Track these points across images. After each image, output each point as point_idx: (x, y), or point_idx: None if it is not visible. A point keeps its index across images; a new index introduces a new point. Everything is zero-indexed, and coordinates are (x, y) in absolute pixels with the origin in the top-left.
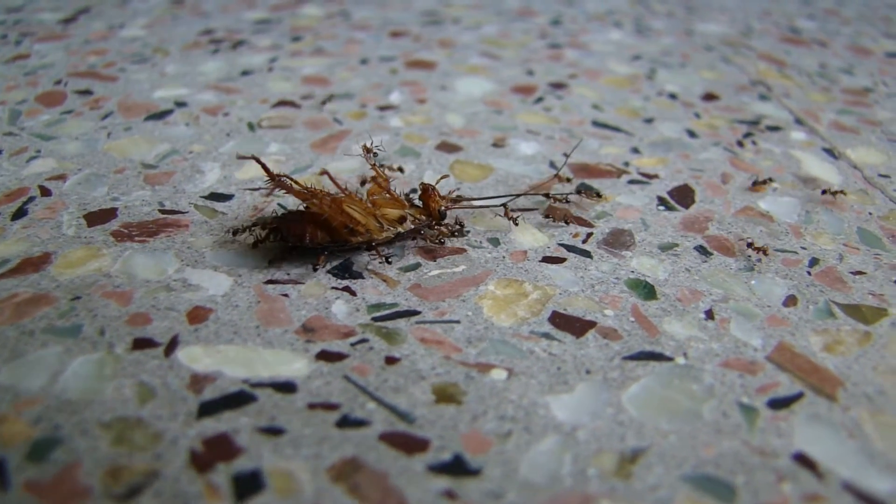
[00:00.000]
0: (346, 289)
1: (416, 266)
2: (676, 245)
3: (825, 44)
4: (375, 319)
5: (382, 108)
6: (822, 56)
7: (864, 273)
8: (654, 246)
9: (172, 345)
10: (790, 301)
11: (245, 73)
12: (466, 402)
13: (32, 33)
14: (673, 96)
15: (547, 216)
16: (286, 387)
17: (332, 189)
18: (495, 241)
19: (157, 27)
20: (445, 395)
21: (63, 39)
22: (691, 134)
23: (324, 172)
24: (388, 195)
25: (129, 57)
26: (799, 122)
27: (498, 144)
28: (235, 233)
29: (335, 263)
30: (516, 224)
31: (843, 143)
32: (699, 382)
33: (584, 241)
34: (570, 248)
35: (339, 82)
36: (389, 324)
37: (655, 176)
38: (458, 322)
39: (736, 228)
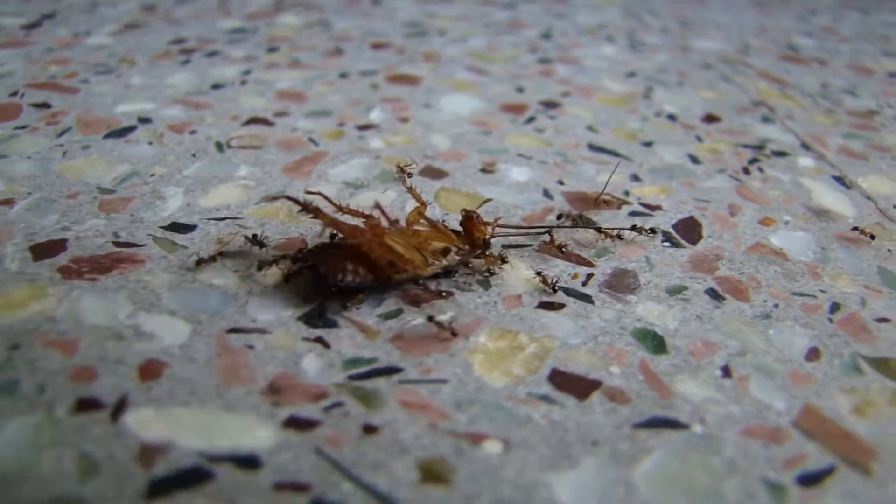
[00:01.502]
0: (319, 340)
1: (398, 312)
2: (685, 288)
3: (825, 62)
4: (352, 378)
5: (362, 128)
6: (822, 75)
7: (890, 320)
8: (660, 289)
9: (120, 407)
10: (813, 354)
11: (216, 86)
12: (456, 481)
13: None
14: (672, 117)
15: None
16: (249, 461)
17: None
18: (486, 284)
19: (126, 35)
20: (432, 474)
21: (24, 46)
22: (694, 159)
23: (377, 206)
24: (429, 224)
25: (92, 67)
26: (805, 146)
27: (487, 170)
28: (260, 267)
29: (309, 309)
30: (563, 252)
31: (854, 170)
32: (719, 455)
33: (584, 284)
34: (569, 292)
35: (315, 98)
36: (367, 383)
37: (658, 207)
38: (445, 382)
39: (748, 268)
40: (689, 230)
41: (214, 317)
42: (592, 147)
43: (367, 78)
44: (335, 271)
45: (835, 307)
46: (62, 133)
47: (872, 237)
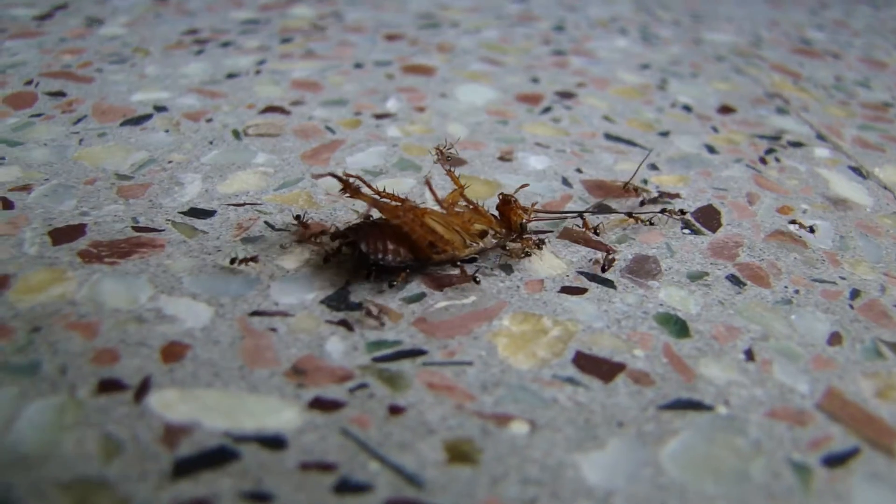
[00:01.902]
0: (343, 323)
1: (421, 296)
2: (706, 274)
3: (838, 56)
4: (376, 360)
5: (378, 116)
6: (836, 68)
7: None
8: (682, 275)
9: (143, 388)
10: (834, 339)
11: (231, 75)
12: (483, 461)
13: (4, 30)
14: (687, 108)
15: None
16: (274, 442)
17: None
18: (508, 269)
19: (139, 25)
20: (459, 454)
21: (37, 37)
22: (710, 149)
23: (427, 183)
24: (469, 206)
25: (106, 57)
26: (821, 137)
27: (505, 158)
28: (301, 241)
29: (331, 293)
30: (597, 234)
31: (870, 161)
32: (745, 436)
33: (604, 270)
34: (591, 277)
35: (331, 87)
36: (392, 365)
37: (677, 195)
38: (470, 364)
39: (768, 255)
40: (708, 218)
41: (236, 300)
42: (609, 136)
43: (382, 68)
44: (376, 250)
45: (855, 293)
46: (78, 121)
47: None
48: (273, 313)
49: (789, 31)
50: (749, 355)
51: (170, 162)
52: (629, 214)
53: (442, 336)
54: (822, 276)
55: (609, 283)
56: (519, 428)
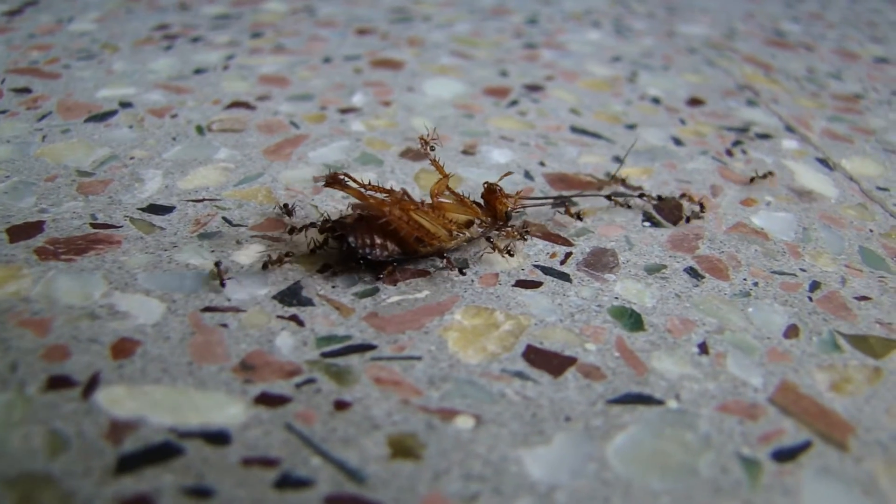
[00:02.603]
0: (294, 318)
1: (374, 291)
2: (664, 267)
3: (811, 48)
4: (325, 355)
5: (344, 111)
6: (808, 60)
7: (870, 299)
8: (639, 268)
9: (92, 384)
10: (791, 332)
11: (198, 71)
12: (427, 456)
13: None
14: (656, 101)
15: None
16: (218, 437)
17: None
18: (462, 262)
19: (109, 21)
20: (402, 449)
21: (6, 33)
22: (677, 141)
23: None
24: (453, 196)
25: (74, 53)
26: (790, 129)
27: (468, 152)
28: (291, 231)
29: (283, 288)
30: (581, 220)
31: (837, 152)
32: (694, 431)
33: (562, 263)
34: (546, 271)
35: (298, 82)
36: (341, 360)
37: (640, 188)
38: (419, 358)
39: (729, 247)
40: (670, 211)
41: (189, 296)
42: (575, 129)
43: (351, 63)
44: (364, 244)
45: (815, 286)
46: (42, 117)
47: None
48: (225, 309)
49: (764, 23)
50: (703, 349)
51: (132, 158)
52: (608, 197)
53: (392, 331)
54: (782, 269)
55: (565, 277)
56: (464, 423)
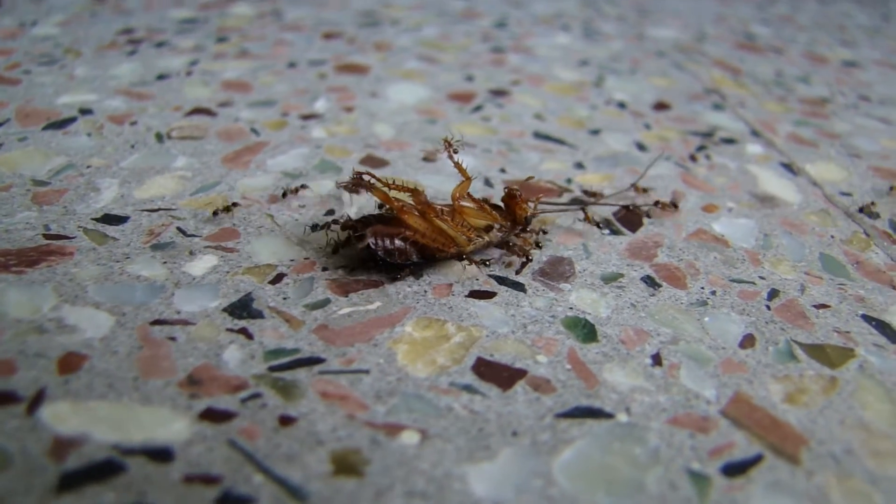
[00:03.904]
0: (243, 331)
1: (325, 302)
2: (621, 276)
3: (781, 51)
4: (272, 369)
5: (305, 117)
6: (777, 64)
7: (829, 306)
8: (596, 277)
9: (37, 400)
10: (747, 341)
11: (161, 76)
12: (370, 473)
13: None
14: (622, 105)
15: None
16: (161, 454)
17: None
18: (417, 273)
19: (73, 25)
20: (346, 465)
21: None
22: (640, 147)
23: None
24: (473, 201)
25: (36, 58)
26: (755, 133)
27: (429, 158)
28: (314, 228)
29: (234, 300)
30: (600, 227)
31: (802, 157)
32: (643, 445)
33: (517, 272)
34: (501, 281)
35: (261, 87)
36: (288, 374)
37: (600, 194)
38: (366, 372)
39: (688, 255)
40: (629, 218)
41: (139, 308)
42: (538, 135)
43: (315, 67)
44: (384, 246)
45: (773, 294)
46: None
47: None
48: (174, 322)
49: (734, 27)
50: (656, 360)
51: (88, 167)
52: (626, 207)
53: (342, 343)
54: (740, 276)
55: (519, 287)
56: (409, 438)
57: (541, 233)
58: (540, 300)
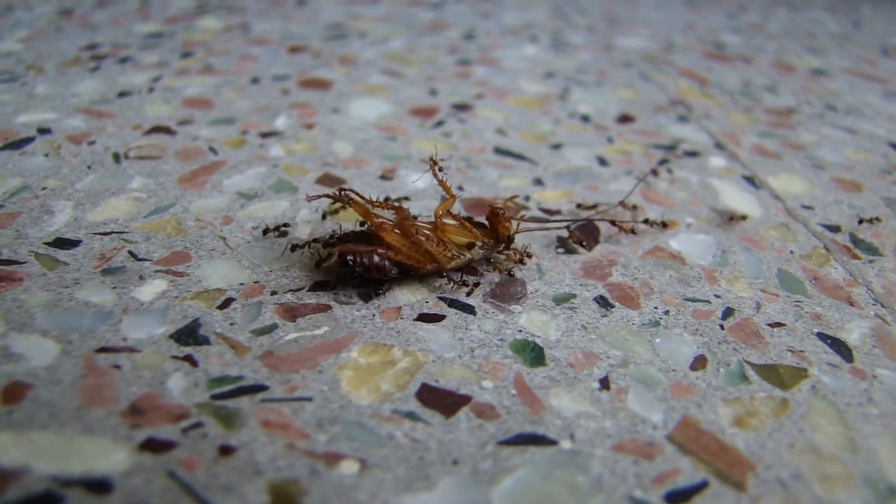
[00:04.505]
0: (188, 358)
1: (272, 328)
2: (573, 296)
3: (749, 60)
4: (215, 397)
5: (265, 135)
6: (745, 73)
7: (784, 325)
8: (548, 298)
9: None
10: (699, 363)
11: (123, 94)
12: (307, 503)
13: None
14: (585, 118)
15: (525, 255)
16: (100, 485)
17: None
18: (366, 296)
19: (37, 40)
20: (283, 496)
21: None
22: (602, 161)
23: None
24: (455, 220)
25: None
26: (719, 146)
27: (386, 176)
28: (294, 248)
29: (181, 327)
30: (584, 246)
31: (765, 169)
32: (586, 473)
33: (468, 294)
34: (451, 303)
35: (223, 104)
36: (230, 402)
37: (557, 212)
38: (309, 400)
39: (643, 274)
40: (586, 235)
41: (86, 336)
42: (499, 151)
43: (279, 83)
44: (362, 262)
45: (727, 313)
46: None
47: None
48: (120, 349)
49: (704, 36)
50: (604, 384)
51: (43, 189)
52: (613, 223)
53: (286, 370)
54: (695, 295)
55: (469, 309)
56: (349, 468)
57: (525, 255)
58: (489, 323)
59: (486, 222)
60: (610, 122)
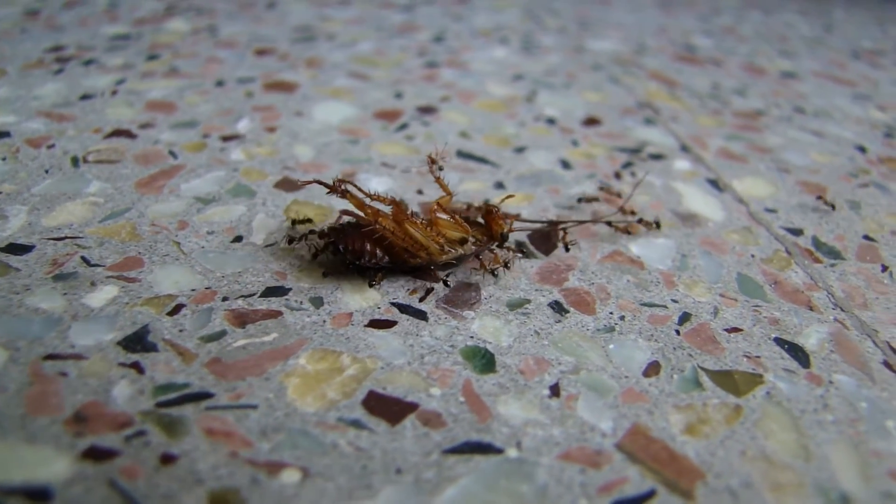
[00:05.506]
0: (135, 365)
1: (221, 334)
2: (528, 302)
3: (720, 63)
4: (160, 405)
5: (226, 139)
6: (715, 76)
7: (741, 330)
8: (501, 303)
9: None
10: (652, 369)
11: (85, 96)
12: None
13: None
14: (551, 121)
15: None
16: (40, 494)
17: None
18: (317, 302)
19: (2, 42)
20: None
21: None
22: (565, 165)
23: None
24: (448, 214)
25: None
26: (685, 149)
27: (345, 180)
28: (291, 241)
29: (129, 333)
30: (567, 249)
31: (730, 172)
32: (531, 482)
33: (421, 300)
34: (403, 309)
35: (186, 108)
36: (174, 410)
37: (517, 216)
38: (254, 407)
39: (600, 278)
40: (544, 240)
41: (33, 343)
42: (461, 154)
43: (244, 86)
44: (355, 252)
45: (684, 317)
46: None
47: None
48: (67, 356)
49: (675, 38)
50: (554, 391)
51: (0, 193)
52: (608, 223)
53: (233, 378)
54: (652, 300)
55: (421, 315)
56: (290, 477)
57: (517, 253)
58: (441, 329)
59: (482, 220)
60: (576, 124)
